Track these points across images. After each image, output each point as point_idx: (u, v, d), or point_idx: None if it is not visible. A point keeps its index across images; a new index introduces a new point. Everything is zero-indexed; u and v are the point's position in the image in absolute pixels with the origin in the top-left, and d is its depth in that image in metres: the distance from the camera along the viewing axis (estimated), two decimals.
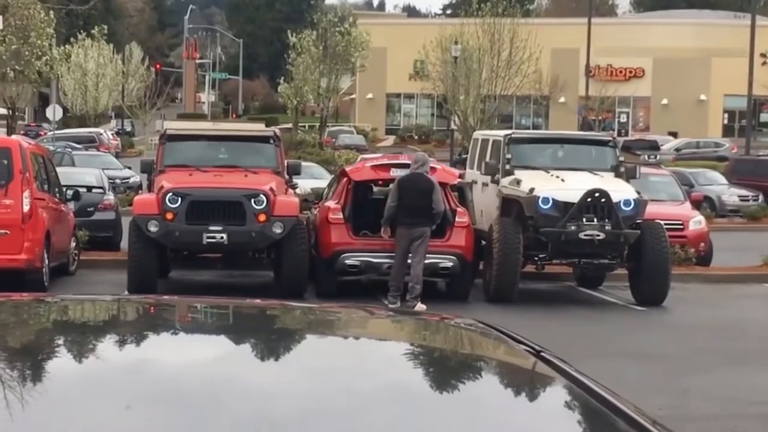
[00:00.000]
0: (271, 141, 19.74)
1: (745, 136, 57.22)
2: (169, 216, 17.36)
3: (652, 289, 18.30)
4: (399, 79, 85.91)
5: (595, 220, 17.66)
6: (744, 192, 37.82)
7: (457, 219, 18.29)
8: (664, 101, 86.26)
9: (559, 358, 2.51)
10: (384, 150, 57.64)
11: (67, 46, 71.51)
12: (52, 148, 34.83)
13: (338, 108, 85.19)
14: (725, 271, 22.57)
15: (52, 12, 47.99)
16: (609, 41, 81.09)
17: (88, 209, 23.01)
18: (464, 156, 23.00)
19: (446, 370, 2.48)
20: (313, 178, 30.82)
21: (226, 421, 1.97)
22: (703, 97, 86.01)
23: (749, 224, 34.49)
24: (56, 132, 49.74)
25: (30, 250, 17.32)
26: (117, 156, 53.48)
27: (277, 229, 17.44)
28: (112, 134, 70.22)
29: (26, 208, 17.33)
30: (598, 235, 17.62)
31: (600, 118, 75.03)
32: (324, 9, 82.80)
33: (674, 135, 75.07)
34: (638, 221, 18.12)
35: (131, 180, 38.25)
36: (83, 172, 26.78)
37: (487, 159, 20.08)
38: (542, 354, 2.53)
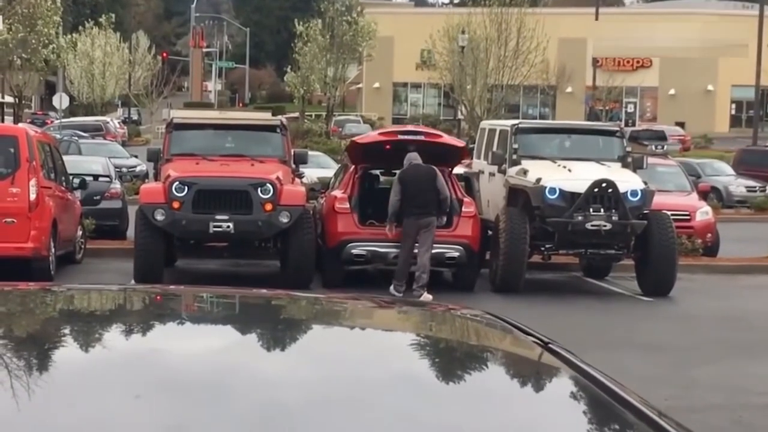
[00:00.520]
0: (278, 130, 19.73)
1: (752, 126, 57.16)
2: (176, 205, 17.35)
3: (658, 280, 18.29)
4: (406, 69, 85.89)
5: (602, 210, 17.65)
6: (751, 183, 37.81)
7: (463, 209, 18.29)
8: (672, 91, 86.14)
9: (567, 350, 2.51)
10: None
11: (74, 34, 71.57)
12: (58, 136, 34.80)
13: (345, 97, 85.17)
14: (732, 261, 22.54)
15: (59, 0, 47.98)
16: (616, 31, 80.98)
17: (95, 198, 23.02)
18: (471, 146, 22.93)
19: (453, 360, 2.47)
20: (320, 168, 30.83)
21: (234, 411, 1.97)
22: (710, 87, 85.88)
23: (756, 215, 34.44)
24: (63, 120, 49.76)
25: (36, 238, 17.33)
26: (123, 144, 53.50)
27: (284, 219, 17.44)
28: (118, 123, 70.17)
29: (33, 196, 17.34)
30: (605, 226, 17.61)
31: (607, 108, 74.99)
32: None
33: (681, 125, 74.96)
34: (645, 212, 18.10)
35: (138, 169, 38.24)
36: (90, 161, 26.78)
37: (494, 149, 20.07)
38: (550, 345, 2.53)
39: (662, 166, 25.40)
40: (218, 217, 17.36)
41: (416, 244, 17.39)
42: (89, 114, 72.60)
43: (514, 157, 19.21)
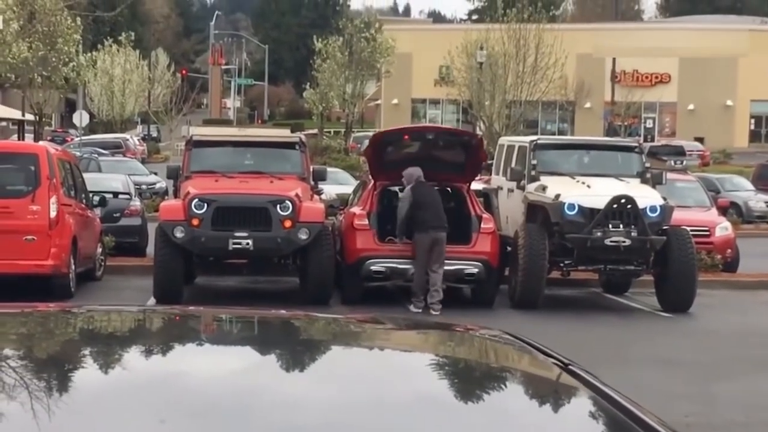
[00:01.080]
0: (297, 147, 19.77)
1: None
2: (195, 222, 17.40)
3: (678, 296, 18.23)
4: (424, 85, 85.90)
5: (621, 226, 17.62)
6: None
7: (482, 225, 18.29)
8: (691, 107, 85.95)
9: (587, 371, 2.50)
10: None
11: (93, 52, 71.81)
12: (78, 153, 34.92)
13: (363, 114, 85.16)
14: (752, 277, 22.45)
15: (79, 18, 48.18)
16: (635, 46, 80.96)
17: (115, 215, 23.08)
18: (490, 162, 22.93)
19: (473, 382, 2.47)
20: (339, 184, 30.83)
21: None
22: (729, 102, 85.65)
23: None
24: (83, 138, 49.95)
25: (57, 255, 17.40)
26: (143, 162, 53.64)
27: (303, 235, 17.46)
28: (138, 140, 70.38)
29: (53, 214, 17.41)
30: (624, 242, 17.57)
31: (626, 123, 74.79)
32: (350, 15, 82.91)
33: (700, 140, 74.79)
34: (664, 227, 18.06)
35: (157, 186, 38.33)
36: (109, 178, 26.87)
37: (513, 165, 20.07)
38: (569, 366, 2.53)
39: (681, 181, 25.36)
40: (237, 234, 17.39)
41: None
42: (109, 131, 72.80)
43: (533, 173, 19.20)
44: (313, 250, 17.60)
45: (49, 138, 55.54)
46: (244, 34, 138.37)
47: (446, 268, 17.68)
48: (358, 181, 24.44)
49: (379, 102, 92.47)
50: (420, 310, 17.24)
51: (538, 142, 20.14)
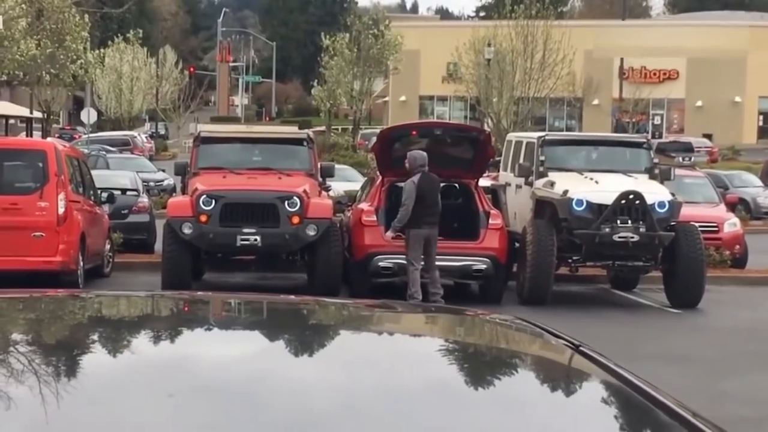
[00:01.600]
0: (305, 143, 19.77)
1: None
2: (203, 218, 17.41)
3: (686, 292, 18.20)
4: (432, 82, 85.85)
5: (630, 222, 17.59)
6: None
7: (490, 221, 18.27)
8: (699, 103, 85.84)
9: (598, 353, 2.50)
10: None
11: (101, 49, 71.85)
12: (86, 151, 34.97)
13: (371, 111, 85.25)
14: (760, 273, 22.43)
15: (86, 16, 48.17)
16: (643, 43, 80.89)
17: (123, 212, 23.10)
18: (498, 158, 22.92)
19: (485, 365, 2.46)
20: (347, 181, 30.82)
21: (263, 418, 1.97)
22: (737, 98, 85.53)
23: None
24: (91, 135, 49.97)
25: (65, 252, 17.42)
26: (151, 159, 53.70)
27: (311, 232, 17.46)
28: (146, 137, 70.43)
29: (61, 210, 17.43)
30: (633, 237, 17.55)
31: (634, 120, 74.72)
32: (357, 12, 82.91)
33: (709, 137, 74.70)
34: (673, 223, 18.03)
35: (165, 182, 38.36)
36: (117, 175, 26.89)
37: (521, 161, 20.04)
38: (581, 348, 2.52)
39: (690, 177, 25.31)
40: (245, 230, 17.40)
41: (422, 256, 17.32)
42: (117, 128, 72.92)
43: (541, 169, 19.19)
44: (321, 246, 17.60)
45: (57, 135, 55.57)
46: (251, 32, 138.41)
47: (454, 263, 17.65)
48: (366, 178, 24.42)
49: (386, 99, 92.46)
50: (419, 298, 17.07)
51: (546, 138, 20.11)
